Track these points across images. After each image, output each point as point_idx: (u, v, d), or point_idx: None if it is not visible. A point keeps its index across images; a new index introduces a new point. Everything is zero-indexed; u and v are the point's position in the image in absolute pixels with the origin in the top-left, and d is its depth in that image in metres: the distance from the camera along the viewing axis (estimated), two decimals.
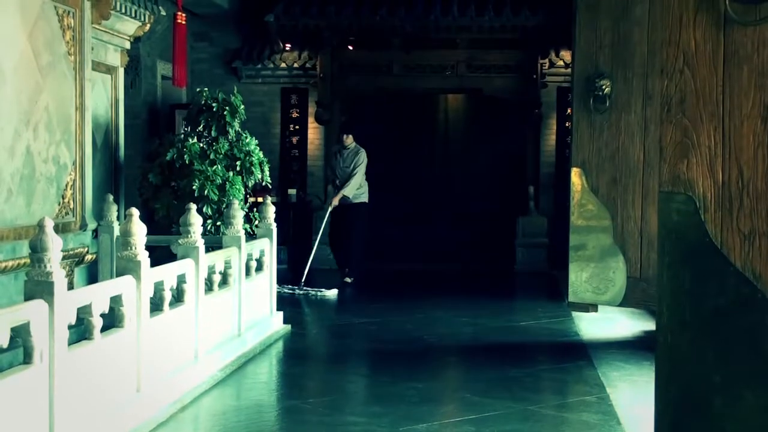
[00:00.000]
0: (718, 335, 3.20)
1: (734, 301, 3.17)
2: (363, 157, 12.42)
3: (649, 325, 8.78)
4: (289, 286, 11.57)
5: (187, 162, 9.38)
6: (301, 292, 11.47)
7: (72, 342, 4.96)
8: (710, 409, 3.21)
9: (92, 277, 8.62)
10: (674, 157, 3.26)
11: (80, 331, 5.21)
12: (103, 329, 5.30)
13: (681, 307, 3.27)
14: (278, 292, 9.80)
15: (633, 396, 6.49)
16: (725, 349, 3.19)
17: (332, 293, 11.41)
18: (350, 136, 12.51)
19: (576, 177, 8.77)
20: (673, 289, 3.29)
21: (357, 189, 12.41)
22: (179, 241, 6.88)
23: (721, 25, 3.19)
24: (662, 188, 3.30)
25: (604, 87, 8.54)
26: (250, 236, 8.94)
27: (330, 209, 12.44)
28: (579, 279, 8.79)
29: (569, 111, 10.88)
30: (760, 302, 3.12)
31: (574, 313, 9.56)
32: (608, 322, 9.33)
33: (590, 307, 8.95)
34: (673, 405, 3.31)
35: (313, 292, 11.40)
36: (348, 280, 12.28)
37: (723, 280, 3.18)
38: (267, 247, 8.84)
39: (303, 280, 11.79)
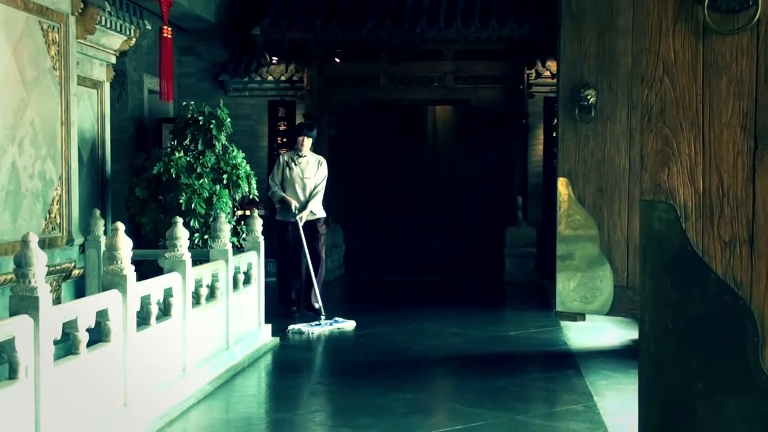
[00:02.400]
0: (700, 342, 3.21)
1: (716, 309, 3.18)
2: (326, 168, 10.81)
3: (637, 334, 8.74)
4: (313, 324, 9.81)
5: (173, 176, 9.37)
6: (322, 327, 9.77)
7: (58, 357, 4.95)
8: (693, 416, 3.22)
9: (80, 292, 8.61)
10: (655, 166, 3.28)
11: (66, 346, 5.20)
12: (90, 344, 5.29)
13: (663, 315, 3.28)
14: (297, 332, 9.49)
15: (620, 404, 6.49)
16: (707, 356, 3.21)
17: (351, 324, 9.94)
18: (310, 140, 10.80)
19: (562, 187, 8.78)
20: (655, 297, 3.30)
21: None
22: (166, 255, 6.87)
23: (700, 34, 3.21)
24: (643, 197, 3.32)
25: (589, 97, 8.56)
26: (238, 249, 8.94)
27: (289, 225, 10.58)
28: (566, 288, 8.79)
29: (556, 121, 10.89)
30: (742, 309, 3.13)
31: (562, 323, 9.57)
32: (596, 331, 9.35)
33: (578, 316, 8.94)
34: (656, 412, 3.32)
35: (335, 325, 9.83)
36: (317, 305, 10.35)
37: (704, 287, 3.20)
38: (254, 260, 8.84)
39: (322, 314, 10.10)
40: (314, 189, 10.64)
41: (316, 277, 10.46)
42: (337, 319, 10.00)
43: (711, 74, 3.19)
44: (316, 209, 10.63)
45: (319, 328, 9.68)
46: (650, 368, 3.34)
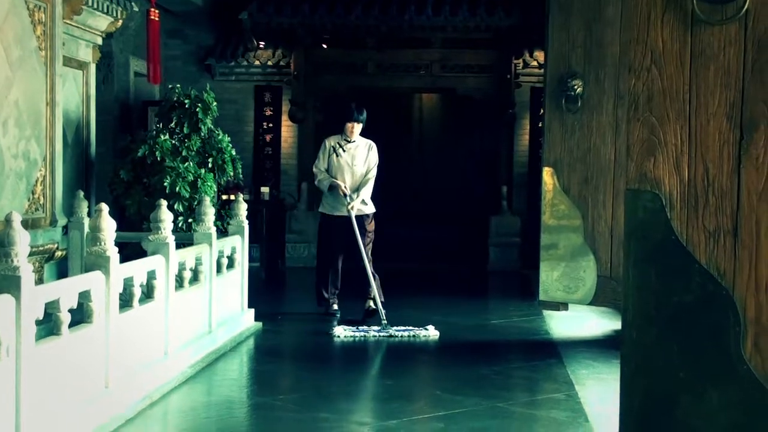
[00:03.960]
0: (683, 331, 3.22)
1: (699, 298, 3.19)
2: (377, 153, 9.86)
3: (619, 324, 8.77)
4: (375, 329, 8.85)
5: (158, 158, 9.35)
6: (391, 332, 8.76)
7: (40, 337, 4.94)
8: (675, 405, 3.23)
9: (62, 274, 8.59)
10: (641, 155, 3.28)
11: (48, 326, 5.18)
12: (72, 325, 5.27)
13: (646, 304, 3.29)
14: (351, 337, 8.60)
15: (601, 394, 6.52)
16: (690, 345, 3.21)
17: (435, 332, 8.80)
18: (360, 125, 9.72)
19: (548, 176, 8.80)
20: (638, 286, 3.31)
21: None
22: (149, 237, 6.86)
23: (689, 24, 3.21)
24: (629, 186, 3.32)
25: (576, 87, 8.57)
26: (222, 233, 8.92)
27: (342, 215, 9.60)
28: (550, 278, 8.81)
29: (542, 111, 10.91)
30: (724, 299, 3.14)
31: (545, 312, 9.60)
32: (578, 321, 9.37)
33: (560, 305, 8.97)
34: (638, 401, 3.33)
35: (410, 333, 8.75)
36: (373, 305, 9.39)
37: (688, 277, 3.20)
38: (238, 245, 8.83)
39: (384, 318, 9.02)
40: (365, 177, 9.69)
41: (371, 275, 9.44)
42: (416, 328, 8.87)
43: (699, 64, 3.20)
44: (368, 199, 9.69)
45: (384, 334, 8.71)
46: (633, 357, 3.34)
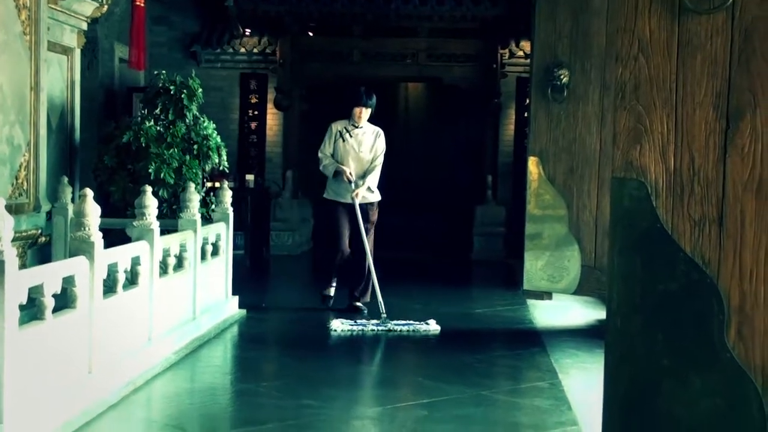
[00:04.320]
0: (667, 320, 3.23)
1: (683, 287, 3.20)
2: (384, 140, 9.55)
3: (602, 314, 8.80)
4: (373, 322, 8.54)
5: (143, 145, 9.31)
6: (390, 327, 8.43)
7: (23, 322, 4.92)
8: (658, 392, 3.24)
9: (45, 260, 8.54)
10: (627, 143, 3.29)
11: (32, 312, 5.17)
12: (56, 310, 5.26)
13: (631, 292, 3.30)
14: (348, 331, 8.30)
15: (584, 382, 6.54)
16: (674, 333, 3.23)
17: (435, 327, 8.50)
18: (368, 110, 9.41)
19: (533, 166, 8.82)
20: (623, 275, 3.32)
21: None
22: (134, 223, 6.84)
23: (676, 13, 3.21)
24: (615, 174, 3.33)
25: (562, 77, 8.60)
26: (206, 220, 8.90)
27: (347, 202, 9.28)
28: (534, 267, 8.85)
29: (528, 101, 10.93)
30: (709, 287, 3.15)
31: (529, 301, 9.62)
32: (562, 310, 9.39)
33: (545, 295, 9.02)
34: (622, 389, 3.34)
35: (410, 327, 8.45)
36: (359, 304, 9.28)
37: (673, 265, 3.21)
38: (223, 232, 8.81)
39: (383, 311, 8.64)
40: (372, 163, 9.37)
41: (364, 268, 9.22)
42: (418, 322, 8.58)
43: (685, 53, 3.20)
44: (374, 187, 9.37)
45: (383, 328, 8.40)
46: (617, 345, 3.36)
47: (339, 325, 8.41)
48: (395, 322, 8.51)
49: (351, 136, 9.38)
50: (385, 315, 8.60)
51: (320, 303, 9.45)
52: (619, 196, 3.32)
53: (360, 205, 9.15)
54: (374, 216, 9.47)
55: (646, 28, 3.26)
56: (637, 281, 3.28)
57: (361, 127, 9.40)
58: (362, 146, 9.38)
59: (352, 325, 8.43)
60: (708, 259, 3.17)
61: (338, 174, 9.29)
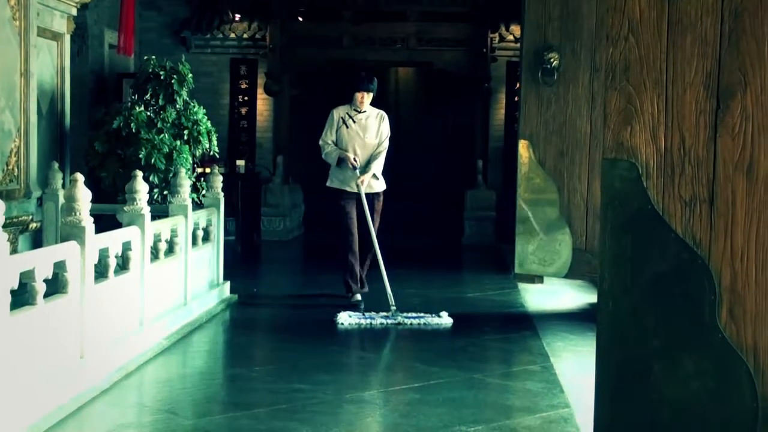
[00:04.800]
0: (659, 301, 3.24)
1: (675, 267, 3.21)
2: (388, 124, 9.24)
3: (593, 297, 8.82)
4: (382, 315, 8.14)
5: (134, 130, 9.28)
6: (400, 320, 8.02)
7: (15, 308, 4.91)
8: (649, 373, 3.25)
9: (36, 246, 8.53)
10: (618, 124, 3.29)
11: (23, 297, 5.16)
12: (47, 295, 5.25)
13: (622, 273, 3.31)
14: (356, 324, 7.92)
15: (576, 365, 6.55)
16: (665, 314, 3.24)
17: (447, 320, 8.11)
18: (370, 95, 9.06)
19: (524, 149, 8.82)
20: (615, 256, 3.32)
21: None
22: (125, 208, 6.82)
23: None
24: (605, 155, 3.33)
25: (552, 60, 8.59)
26: (197, 206, 8.88)
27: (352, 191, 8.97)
28: (525, 251, 8.86)
29: (518, 85, 10.93)
30: (700, 268, 3.16)
31: (520, 285, 9.63)
32: (553, 294, 9.40)
33: (536, 278, 9.04)
34: (614, 368, 3.35)
35: (421, 321, 8.06)
36: (358, 298, 8.87)
37: (664, 246, 3.22)
38: (214, 217, 8.80)
39: (393, 304, 8.27)
40: (377, 149, 9.04)
41: (367, 259, 9.05)
42: (429, 315, 8.20)
43: (675, 33, 3.20)
44: (379, 174, 9.04)
45: (392, 321, 8.02)
46: (608, 325, 3.37)
47: (347, 319, 8.02)
48: (405, 314, 8.15)
49: (354, 122, 9.01)
50: (395, 307, 8.22)
51: (344, 293, 8.96)
52: (610, 177, 3.32)
53: (367, 195, 8.88)
54: (380, 206, 9.16)
55: (636, 8, 3.26)
56: (628, 262, 3.29)
57: (365, 111, 9.05)
58: (368, 132, 9.03)
59: (360, 318, 8.06)
60: (699, 240, 3.17)
61: (342, 161, 8.93)
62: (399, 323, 8.00)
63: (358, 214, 8.95)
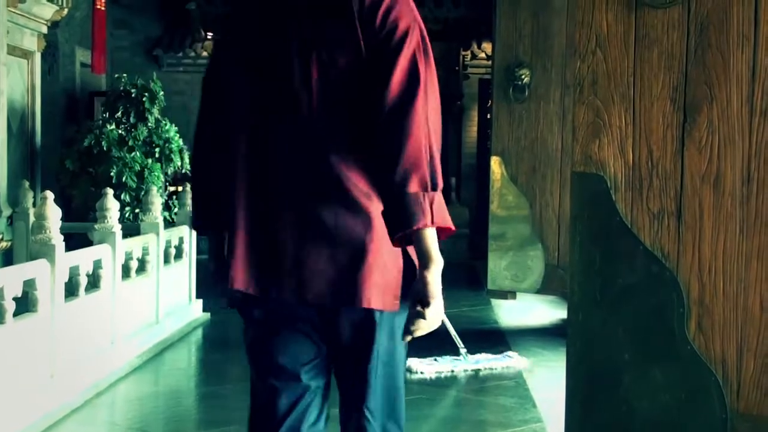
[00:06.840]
0: (628, 313, 3.25)
1: (643, 279, 3.22)
2: None
3: (565, 312, 8.88)
4: (452, 359, 6.97)
5: (105, 148, 9.27)
6: (470, 365, 6.93)
7: None
8: (619, 385, 3.26)
9: (7, 265, 8.48)
10: (586, 138, 3.30)
11: None
12: (17, 314, 5.21)
13: (592, 286, 3.31)
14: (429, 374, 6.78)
15: (548, 380, 6.56)
16: (634, 326, 3.24)
17: (522, 361, 7.10)
18: None
19: (496, 166, 8.84)
20: (584, 268, 3.33)
21: None
22: (95, 226, 6.80)
23: (633, 7, 3.23)
24: (574, 168, 3.34)
25: (523, 77, 8.62)
26: (170, 224, 8.86)
27: None
28: (498, 267, 8.86)
29: (490, 102, 10.95)
30: (668, 280, 3.17)
31: (494, 301, 9.63)
32: (526, 310, 9.41)
33: (509, 294, 9.04)
34: (583, 382, 3.36)
35: (493, 364, 7.01)
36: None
37: (633, 258, 3.23)
38: (186, 235, 8.77)
39: (462, 346, 7.01)
40: None
41: None
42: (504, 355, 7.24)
43: (642, 47, 3.22)
44: None
45: (463, 366, 6.93)
46: (578, 338, 3.37)
47: (420, 366, 6.81)
48: (475, 357, 7.05)
49: None
50: (465, 350, 7.05)
51: None
52: (579, 190, 3.34)
53: None
54: None
55: (604, 23, 3.28)
56: (597, 275, 3.30)
57: None
58: None
59: (429, 365, 6.85)
60: (667, 252, 3.19)
61: None
62: (468, 370, 6.94)
63: None
